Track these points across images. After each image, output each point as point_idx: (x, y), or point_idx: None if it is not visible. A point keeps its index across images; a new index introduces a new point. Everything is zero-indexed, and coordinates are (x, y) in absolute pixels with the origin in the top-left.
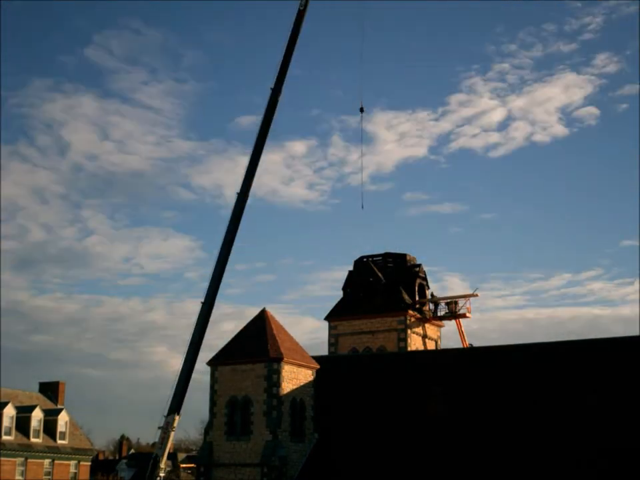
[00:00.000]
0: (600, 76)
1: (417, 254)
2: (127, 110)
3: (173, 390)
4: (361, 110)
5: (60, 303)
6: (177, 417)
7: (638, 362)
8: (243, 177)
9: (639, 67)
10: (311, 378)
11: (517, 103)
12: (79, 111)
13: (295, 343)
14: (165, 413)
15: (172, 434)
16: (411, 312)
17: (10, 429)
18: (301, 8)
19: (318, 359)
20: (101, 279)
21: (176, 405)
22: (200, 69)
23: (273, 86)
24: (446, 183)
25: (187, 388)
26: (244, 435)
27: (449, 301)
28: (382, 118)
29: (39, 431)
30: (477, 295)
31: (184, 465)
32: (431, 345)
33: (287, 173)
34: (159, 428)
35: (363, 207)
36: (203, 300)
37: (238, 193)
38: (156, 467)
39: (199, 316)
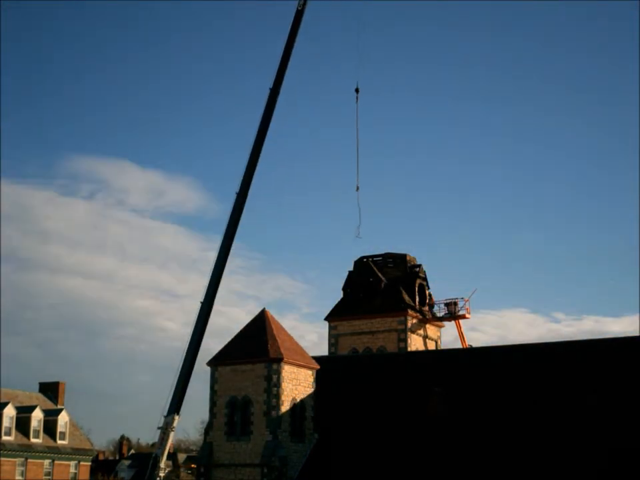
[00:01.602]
0: None
1: (417, 254)
2: None
3: (173, 390)
4: (356, 90)
5: None
6: (176, 417)
7: (638, 362)
8: (242, 177)
9: None
10: (311, 378)
11: None
12: None
13: (295, 343)
14: (165, 413)
15: (172, 434)
16: (411, 312)
17: (10, 429)
18: (299, 8)
19: (318, 359)
20: None
21: (175, 405)
22: None
23: (271, 86)
24: None
25: (186, 388)
26: (244, 435)
27: (448, 301)
28: None
29: (39, 431)
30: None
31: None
32: (431, 346)
33: None
34: (159, 428)
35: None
36: (202, 299)
37: (237, 193)
38: (156, 467)
39: (198, 315)
